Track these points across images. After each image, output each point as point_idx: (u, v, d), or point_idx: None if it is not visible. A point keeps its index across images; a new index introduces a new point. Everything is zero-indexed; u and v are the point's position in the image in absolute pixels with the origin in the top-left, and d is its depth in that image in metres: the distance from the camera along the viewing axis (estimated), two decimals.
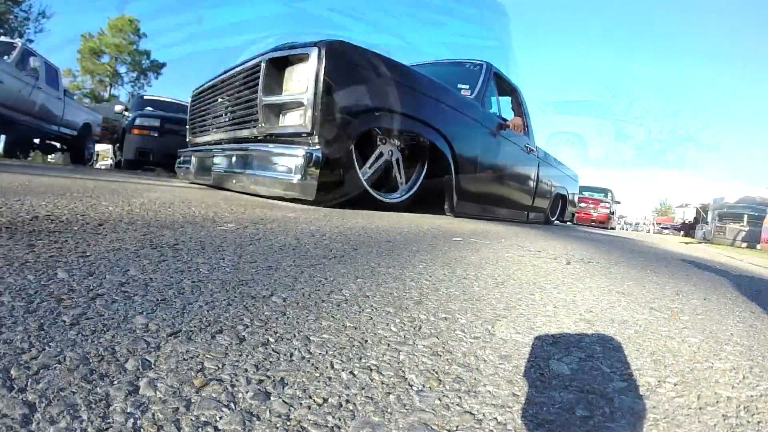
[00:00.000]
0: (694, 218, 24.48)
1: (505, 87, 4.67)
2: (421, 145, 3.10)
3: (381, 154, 2.80)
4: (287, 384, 0.50)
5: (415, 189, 3.08)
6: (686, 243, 8.80)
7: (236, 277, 0.85)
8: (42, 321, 0.54)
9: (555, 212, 6.67)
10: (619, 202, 15.65)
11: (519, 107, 4.79)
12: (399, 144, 2.95)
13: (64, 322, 0.55)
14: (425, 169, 3.15)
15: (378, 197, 2.78)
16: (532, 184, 5.13)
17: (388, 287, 0.97)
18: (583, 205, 13.38)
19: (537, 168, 5.22)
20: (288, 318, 0.69)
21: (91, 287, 0.67)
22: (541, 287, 1.22)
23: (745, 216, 15.13)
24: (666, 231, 28.69)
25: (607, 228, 12.95)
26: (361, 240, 1.50)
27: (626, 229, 26.94)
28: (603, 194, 15.01)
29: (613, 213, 14.30)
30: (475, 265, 1.40)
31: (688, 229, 23.52)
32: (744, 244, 13.35)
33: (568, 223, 12.59)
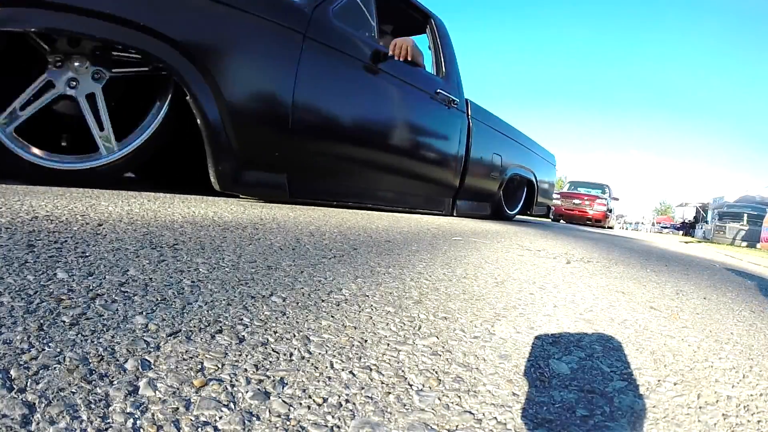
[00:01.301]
0: (694, 217, 24.51)
1: (409, 13, 3.03)
2: (160, 76, 1.79)
3: (51, 84, 1.60)
4: (287, 384, 0.50)
5: (132, 148, 1.75)
6: (686, 242, 8.80)
7: (236, 277, 0.85)
8: (42, 321, 0.54)
9: (517, 203, 4.90)
10: (617, 199, 14.50)
11: (439, 48, 3.17)
12: (95, 68, 1.65)
13: (64, 322, 0.55)
14: (162, 116, 1.79)
15: (23, 155, 1.56)
16: (455, 154, 3.30)
17: (387, 287, 0.97)
18: (577, 201, 12.60)
19: (467, 131, 3.42)
20: (287, 318, 0.69)
21: (91, 287, 0.67)
22: (541, 286, 1.22)
23: (745, 215, 15.12)
24: (666, 230, 28.71)
25: (604, 227, 12.14)
26: (361, 240, 1.50)
27: (626, 229, 26.95)
28: (600, 190, 13.90)
29: (610, 211, 13.33)
30: (475, 265, 1.40)
31: (687, 229, 23.54)
32: (744, 243, 13.37)
33: (562, 221, 12.19)
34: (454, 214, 3.56)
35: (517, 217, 5.50)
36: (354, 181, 2.58)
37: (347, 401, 0.49)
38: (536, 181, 5.02)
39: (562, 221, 12.25)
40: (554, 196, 13.61)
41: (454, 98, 3.21)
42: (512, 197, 4.79)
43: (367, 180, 2.66)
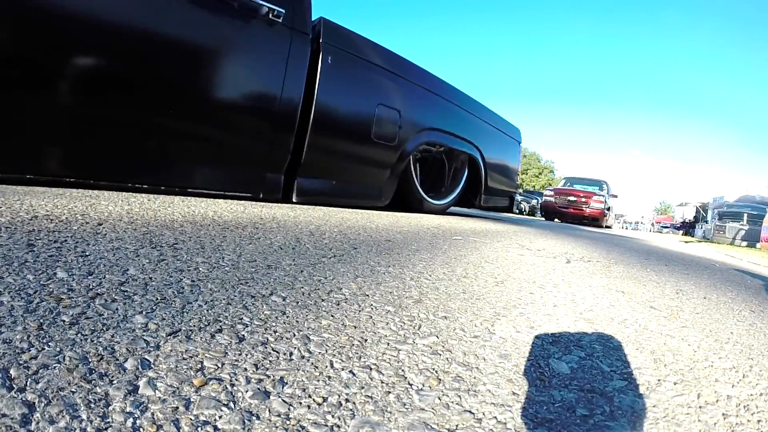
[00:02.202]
0: (694, 217, 24.54)
1: None
2: None
3: None
4: (287, 383, 0.50)
5: None
6: (686, 242, 8.80)
7: (235, 277, 0.85)
8: (41, 320, 0.54)
9: (451, 188, 3.55)
10: (615, 196, 13.24)
11: None
12: None
13: (64, 321, 0.55)
14: None
15: None
16: (278, 100, 2.09)
17: (387, 286, 0.97)
18: (572, 198, 11.61)
19: (309, 66, 2.21)
20: (287, 317, 0.69)
21: (91, 287, 0.67)
22: (540, 286, 1.22)
23: (745, 215, 15.13)
24: (666, 230, 28.75)
25: (601, 226, 11.28)
26: (361, 239, 1.50)
27: (626, 228, 26.97)
28: (597, 187, 12.68)
29: (608, 209, 12.17)
30: (475, 264, 1.40)
31: (687, 228, 23.57)
32: (744, 243, 13.38)
33: (557, 220, 11.56)
34: (294, 199, 2.26)
35: (456, 210, 4.35)
36: (41, 139, 1.52)
37: (347, 400, 0.49)
38: (482, 160, 3.54)
39: (556, 220, 11.60)
40: (547, 192, 12.98)
41: (274, 7, 1.99)
42: (449, 181, 3.47)
43: (71, 139, 1.58)
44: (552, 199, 12.22)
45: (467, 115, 3.44)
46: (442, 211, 3.45)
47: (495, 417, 0.50)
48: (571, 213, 11.58)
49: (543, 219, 11.95)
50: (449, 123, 3.21)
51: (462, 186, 3.58)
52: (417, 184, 3.08)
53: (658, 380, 0.67)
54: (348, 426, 0.44)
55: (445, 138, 3.18)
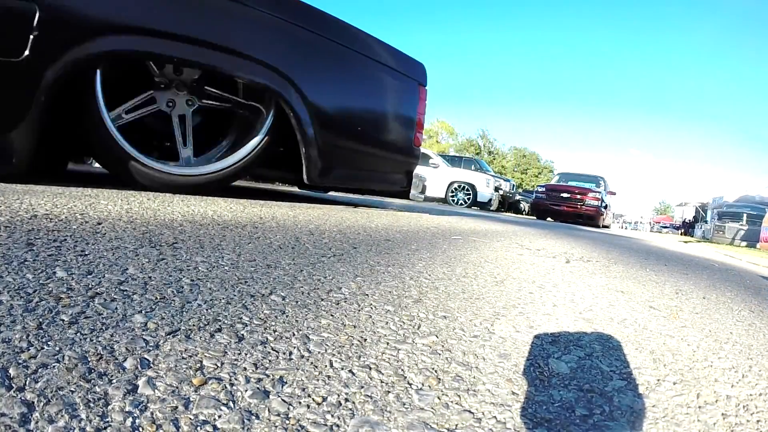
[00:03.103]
0: (693, 217, 24.57)
1: None
2: None
3: None
4: (286, 383, 0.50)
5: None
6: (685, 242, 8.81)
7: (235, 276, 0.85)
8: (41, 320, 0.54)
9: (237, 149, 1.97)
10: (614, 194, 12.28)
11: None
12: None
13: (63, 320, 0.55)
14: None
15: None
16: None
17: (387, 285, 0.97)
18: (566, 195, 10.71)
19: None
20: (287, 316, 0.69)
21: (90, 286, 0.67)
22: (540, 286, 1.22)
23: (745, 215, 15.16)
24: (665, 230, 28.83)
25: (598, 225, 10.40)
26: (361, 238, 1.50)
27: (625, 228, 26.99)
28: (593, 183, 11.67)
29: (605, 207, 11.18)
30: (475, 264, 1.40)
31: (687, 228, 23.61)
32: (743, 243, 13.39)
33: (550, 219, 10.25)
34: None
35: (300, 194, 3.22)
36: None
37: (347, 400, 0.49)
38: (303, 101, 2.03)
39: (549, 219, 10.65)
40: (539, 189, 11.58)
41: None
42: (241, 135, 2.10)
43: None
44: (544, 196, 11.25)
45: (258, 16, 1.93)
46: (196, 188, 1.94)
47: (494, 416, 0.51)
48: (564, 211, 10.53)
49: (534, 218, 11.37)
50: (193, 24, 1.78)
51: (256, 146, 1.99)
52: (117, 135, 1.73)
53: (658, 380, 0.67)
54: (347, 425, 0.44)
55: (179, 49, 1.72)
